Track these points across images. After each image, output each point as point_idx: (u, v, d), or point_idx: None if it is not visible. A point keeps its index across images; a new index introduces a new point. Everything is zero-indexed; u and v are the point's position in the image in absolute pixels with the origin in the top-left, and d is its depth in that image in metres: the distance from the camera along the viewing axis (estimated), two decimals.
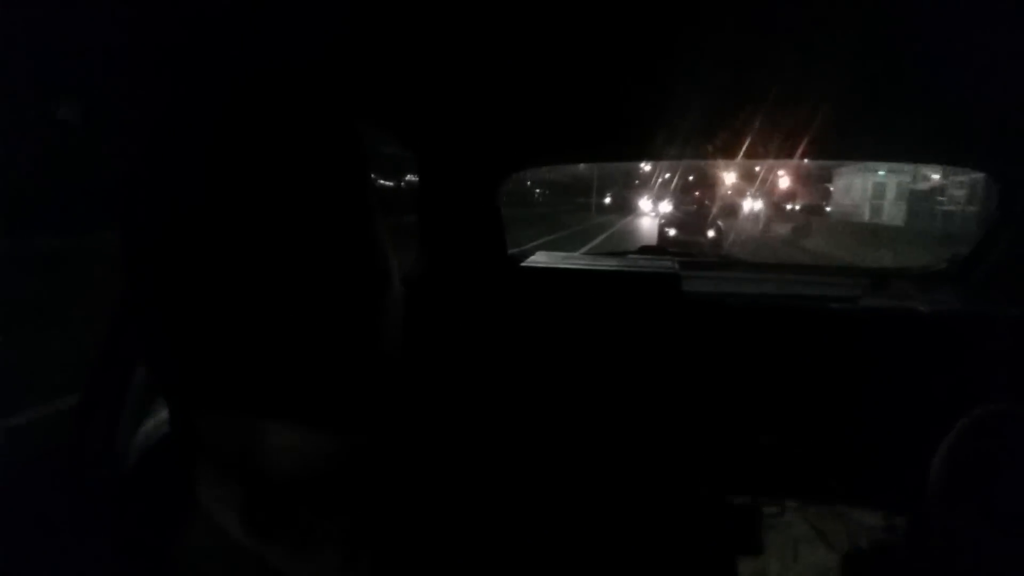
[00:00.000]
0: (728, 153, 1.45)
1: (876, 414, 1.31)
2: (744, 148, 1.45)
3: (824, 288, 1.50)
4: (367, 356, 0.36)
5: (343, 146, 0.37)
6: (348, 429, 0.36)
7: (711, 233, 12.28)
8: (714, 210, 14.08)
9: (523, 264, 1.35)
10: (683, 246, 10.08)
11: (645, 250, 2.00)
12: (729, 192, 19.36)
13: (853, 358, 1.33)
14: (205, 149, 0.33)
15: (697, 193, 17.17)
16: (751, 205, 19.93)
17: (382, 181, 8.91)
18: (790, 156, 1.49)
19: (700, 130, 1.31)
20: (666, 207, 16.07)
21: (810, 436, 1.38)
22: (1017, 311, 1.27)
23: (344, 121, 0.38)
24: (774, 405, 1.38)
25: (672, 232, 12.56)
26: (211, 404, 0.34)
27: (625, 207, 32.15)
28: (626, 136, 1.42)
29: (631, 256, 1.70)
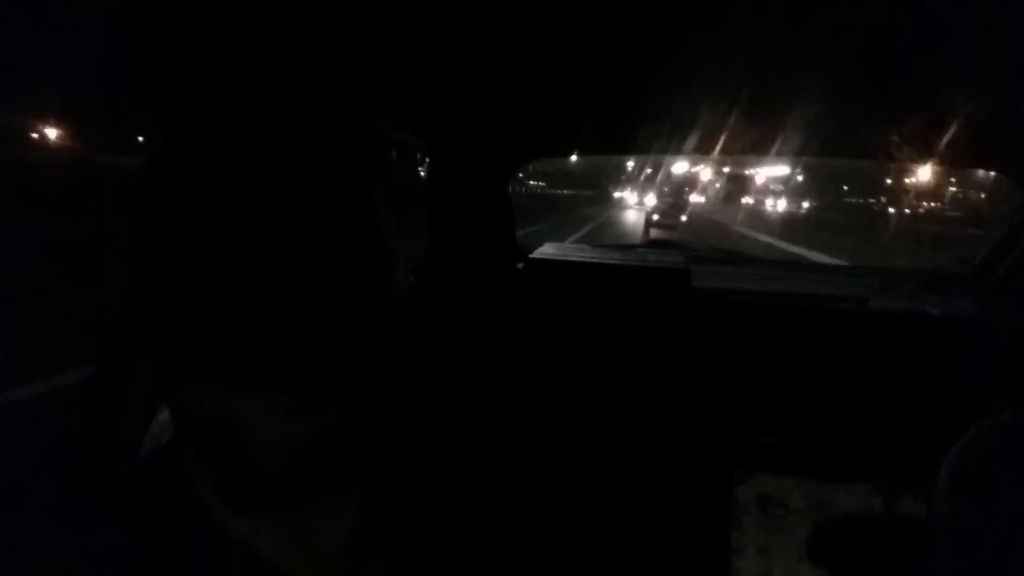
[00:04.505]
0: (731, 149, 1.45)
1: (882, 416, 1.30)
2: (748, 144, 1.45)
3: (834, 288, 1.49)
4: (364, 343, 0.36)
5: (345, 138, 0.38)
6: (335, 413, 0.36)
7: (683, 218, 18.17)
8: (687, 202, 21.24)
9: (532, 255, 1.32)
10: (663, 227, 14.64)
11: (654, 243, 1.98)
12: (688, 189, 30.96)
13: (861, 359, 1.32)
14: (211, 143, 0.34)
15: (669, 189, 23.84)
16: (697, 198, 35.43)
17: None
18: (796, 153, 1.48)
19: (707, 126, 1.30)
20: (650, 200, 21.75)
21: (815, 436, 1.38)
22: None
23: (348, 112, 0.39)
24: (779, 403, 1.37)
25: (656, 218, 17.59)
26: (203, 381, 0.34)
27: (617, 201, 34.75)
28: (636, 129, 1.41)
29: (640, 250, 1.68)
